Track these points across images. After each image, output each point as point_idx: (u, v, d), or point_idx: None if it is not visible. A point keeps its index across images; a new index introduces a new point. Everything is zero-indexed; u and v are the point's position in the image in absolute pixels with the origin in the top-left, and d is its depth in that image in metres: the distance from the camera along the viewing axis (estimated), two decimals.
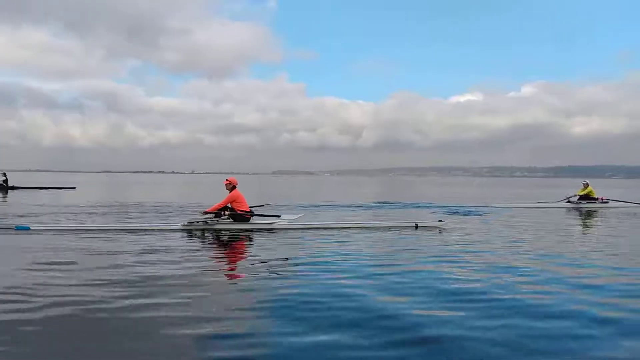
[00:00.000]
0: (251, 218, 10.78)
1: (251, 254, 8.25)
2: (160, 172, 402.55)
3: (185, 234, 9.98)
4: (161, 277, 5.93)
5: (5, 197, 23.45)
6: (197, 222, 10.55)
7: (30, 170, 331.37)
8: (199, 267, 6.67)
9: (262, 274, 6.32)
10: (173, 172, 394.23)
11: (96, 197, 25.45)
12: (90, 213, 14.83)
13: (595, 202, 19.29)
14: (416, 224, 11.52)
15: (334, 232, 10.56)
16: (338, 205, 19.64)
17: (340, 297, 5.12)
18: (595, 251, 8.69)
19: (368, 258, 7.56)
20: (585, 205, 19.18)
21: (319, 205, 19.54)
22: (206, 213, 10.72)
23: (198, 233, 10.20)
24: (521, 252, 8.24)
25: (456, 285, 5.69)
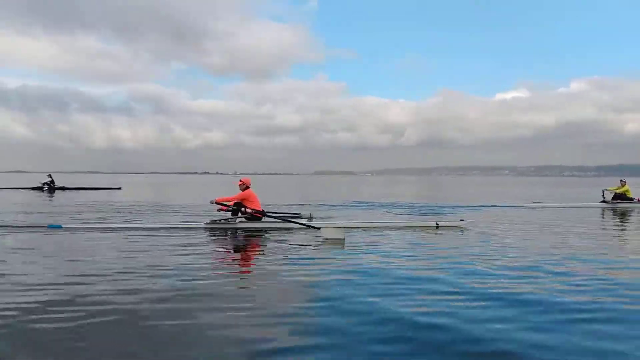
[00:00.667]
0: (262, 218, 10.95)
1: (268, 254, 8.33)
2: (205, 173, 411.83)
3: (208, 233, 10.26)
4: (188, 276, 6.04)
5: (52, 197, 24.71)
6: (219, 220, 10.79)
7: (81, 172, 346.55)
8: (224, 264, 6.98)
9: (286, 275, 6.30)
10: (217, 173, 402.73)
11: (140, 197, 26.36)
12: (131, 212, 15.42)
13: (631, 202, 18.62)
14: (437, 223, 11.36)
15: (359, 232, 10.50)
16: (376, 205, 19.58)
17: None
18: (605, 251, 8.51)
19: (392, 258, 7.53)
20: (621, 206, 18.52)
21: (351, 206, 19.60)
22: (217, 202, 11.02)
23: (220, 231, 10.43)
24: (536, 252, 8.09)
25: (473, 285, 5.69)
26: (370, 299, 5.02)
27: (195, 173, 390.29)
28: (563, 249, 8.49)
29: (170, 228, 10.73)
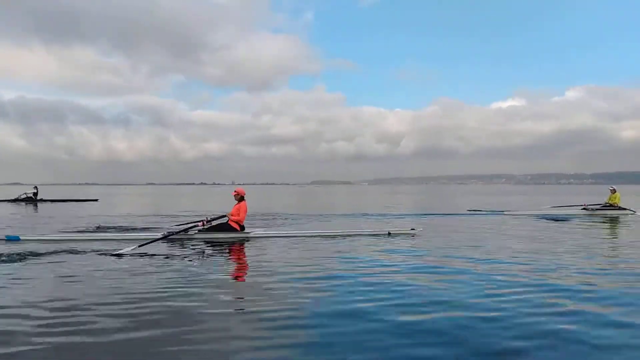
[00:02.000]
0: (242, 230, 10.96)
1: (224, 263, 8.33)
2: (202, 183, 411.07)
3: (165, 244, 10.11)
4: (141, 287, 6.03)
5: (36, 209, 24.81)
6: (177, 232, 10.70)
7: (78, 184, 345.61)
8: (179, 276, 6.81)
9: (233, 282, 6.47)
10: (214, 184, 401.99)
11: (113, 209, 25.89)
12: (101, 223, 15.23)
13: (612, 209, 18.34)
14: (389, 232, 11.65)
15: (304, 240, 10.73)
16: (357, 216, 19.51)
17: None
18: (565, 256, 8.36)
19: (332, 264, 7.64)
20: (601, 212, 18.35)
21: (327, 215, 19.65)
22: (233, 221, 10.89)
23: (177, 243, 10.27)
24: (476, 258, 8.22)
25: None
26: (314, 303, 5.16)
27: (192, 184, 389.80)
28: (500, 253, 8.74)
29: (128, 239, 10.60)
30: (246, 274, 7.31)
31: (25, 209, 24.16)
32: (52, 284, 6.28)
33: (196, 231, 10.75)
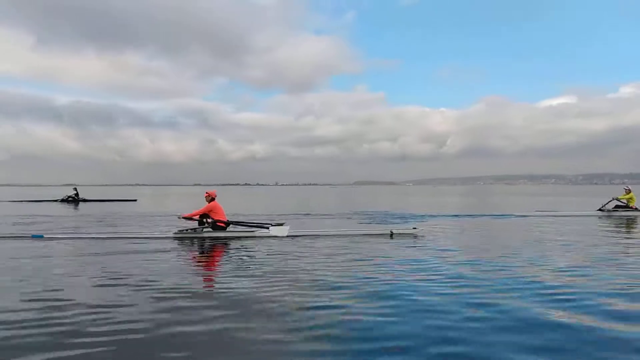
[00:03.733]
0: (227, 227, 11.43)
1: (228, 262, 8.53)
2: (246, 184, 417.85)
3: (175, 242, 10.60)
4: (155, 283, 6.30)
5: (77, 208, 26.09)
6: (187, 230, 11.26)
7: (129, 185, 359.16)
8: (185, 272, 7.19)
9: (238, 281, 6.57)
10: (258, 184, 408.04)
11: (150, 208, 26.76)
12: (137, 222, 16.17)
13: (629, 210, 17.82)
14: (391, 232, 11.65)
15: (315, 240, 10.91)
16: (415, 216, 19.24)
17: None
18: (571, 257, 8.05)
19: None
20: (618, 213, 17.76)
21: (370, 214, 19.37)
22: (184, 217, 11.62)
23: (187, 240, 10.81)
24: (482, 258, 8.08)
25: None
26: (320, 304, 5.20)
27: (237, 184, 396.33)
28: (504, 255, 8.47)
29: (141, 238, 11.18)
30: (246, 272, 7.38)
31: (66, 209, 25.27)
32: (68, 279, 6.63)
33: (202, 229, 11.23)
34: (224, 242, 10.42)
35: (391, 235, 11.43)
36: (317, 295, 5.57)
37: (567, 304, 5.14)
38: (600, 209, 18.30)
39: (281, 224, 11.77)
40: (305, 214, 20.27)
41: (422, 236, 11.30)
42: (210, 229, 11.21)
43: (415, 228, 11.86)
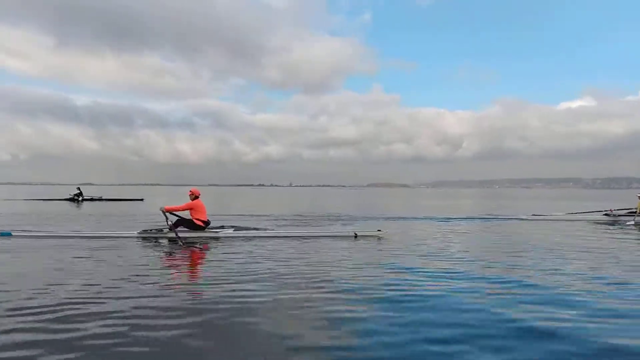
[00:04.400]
0: (206, 227, 11.53)
1: (188, 262, 8.62)
2: (260, 185, 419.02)
3: (139, 241, 10.70)
4: (114, 281, 6.35)
5: (79, 207, 26.50)
6: (151, 230, 11.39)
7: (145, 184, 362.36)
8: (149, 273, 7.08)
9: (196, 281, 6.70)
10: (272, 185, 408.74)
11: (156, 208, 26.80)
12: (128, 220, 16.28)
13: (634, 215, 16.92)
14: (355, 233, 11.72)
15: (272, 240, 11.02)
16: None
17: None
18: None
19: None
20: (625, 218, 17.17)
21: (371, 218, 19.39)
22: (167, 210, 11.34)
23: (151, 240, 10.91)
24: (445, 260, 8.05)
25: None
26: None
27: (251, 185, 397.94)
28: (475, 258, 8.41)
29: (105, 237, 11.24)
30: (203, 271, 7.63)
31: (69, 208, 25.66)
32: (32, 277, 6.66)
33: (168, 229, 11.14)
34: (189, 243, 10.26)
35: (355, 236, 11.52)
36: (262, 293, 5.64)
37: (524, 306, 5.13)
38: (606, 214, 17.72)
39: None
40: (296, 215, 20.38)
41: (386, 239, 11.34)
42: (183, 229, 11.29)
43: (379, 230, 11.91)
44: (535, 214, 19.77)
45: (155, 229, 11.38)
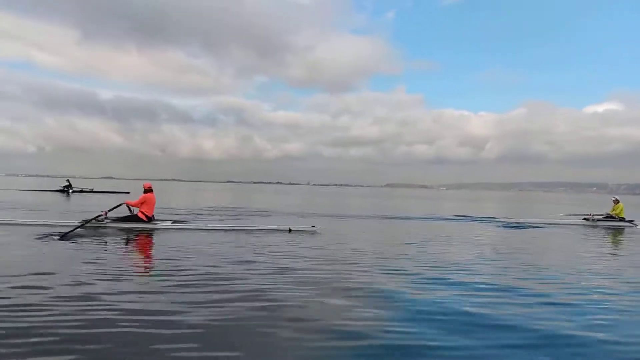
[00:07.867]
0: (150, 221, 11.91)
1: (128, 253, 8.49)
2: (278, 182, 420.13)
3: (77, 231, 10.66)
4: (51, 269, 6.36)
5: (68, 199, 27.35)
6: (91, 220, 11.30)
7: (166, 180, 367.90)
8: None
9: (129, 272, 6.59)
10: (290, 183, 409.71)
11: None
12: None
13: (612, 220, 16.78)
14: (289, 228, 11.96)
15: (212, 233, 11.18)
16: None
17: None
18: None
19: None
20: (603, 223, 16.78)
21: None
22: (126, 204, 12.00)
23: (89, 230, 10.99)
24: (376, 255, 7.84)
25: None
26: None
27: (270, 183, 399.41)
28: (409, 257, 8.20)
29: (45, 225, 11.53)
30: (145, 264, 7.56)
31: (59, 199, 26.84)
32: None
33: (108, 220, 11.46)
34: (125, 234, 10.47)
35: (289, 231, 11.78)
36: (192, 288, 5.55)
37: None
38: (585, 218, 17.29)
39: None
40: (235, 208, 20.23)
41: (320, 234, 11.53)
42: (119, 220, 11.61)
43: (314, 226, 12.22)
44: (458, 214, 19.97)
45: (94, 218, 11.31)
